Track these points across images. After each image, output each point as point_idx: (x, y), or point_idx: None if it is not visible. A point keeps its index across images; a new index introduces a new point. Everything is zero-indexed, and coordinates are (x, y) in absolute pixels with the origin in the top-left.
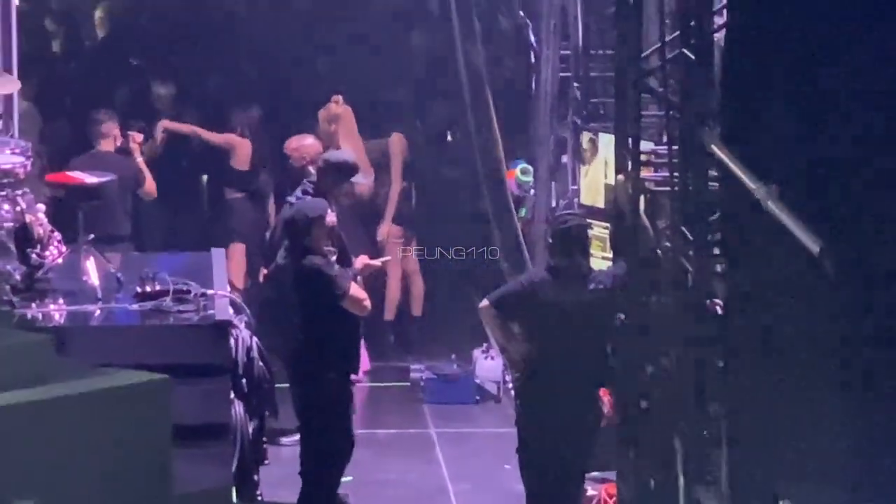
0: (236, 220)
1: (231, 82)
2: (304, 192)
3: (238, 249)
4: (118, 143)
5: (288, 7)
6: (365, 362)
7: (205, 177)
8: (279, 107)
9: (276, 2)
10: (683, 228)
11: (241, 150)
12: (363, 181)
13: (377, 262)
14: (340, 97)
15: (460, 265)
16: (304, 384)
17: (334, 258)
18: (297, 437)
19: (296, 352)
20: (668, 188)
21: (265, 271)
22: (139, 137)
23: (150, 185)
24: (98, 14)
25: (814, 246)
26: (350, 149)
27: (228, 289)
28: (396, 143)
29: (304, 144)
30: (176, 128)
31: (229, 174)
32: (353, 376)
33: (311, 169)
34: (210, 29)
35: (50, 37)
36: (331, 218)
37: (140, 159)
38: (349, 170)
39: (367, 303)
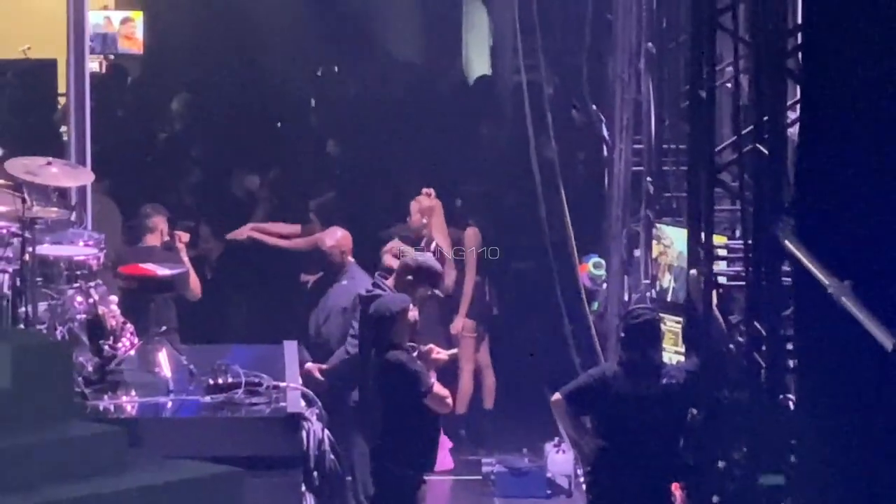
0: None
1: (311, 172)
2: (375, 286)
3: None
4: (164, 238)
5: (363, 99)
6: (447, 461)
7: None
8: (358, 196)
9: (349, 94)
10: (756, 323)
11: None
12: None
13: (444, 356)
14: (432, 190)
15: (532, 358)
16: (379, 479)
17: (415, 354)
18: None
19: (376, 446)
20: (740, 282)
21: (321, 366)
22: (185, 237)
23: (195, 285)
24: (174, 106)
25: (887, 341)
26: (441, 243)
27: (300, 381)
28: (471, 236)
29: (338, 239)
30: (260, 238)
31: (305, 262)
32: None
33: (350, 258)
34: (289, 119)
35: (125, 130)
36: (413, 314)
37: (186, 259)
38: (433, 278)
39: (450, 400)
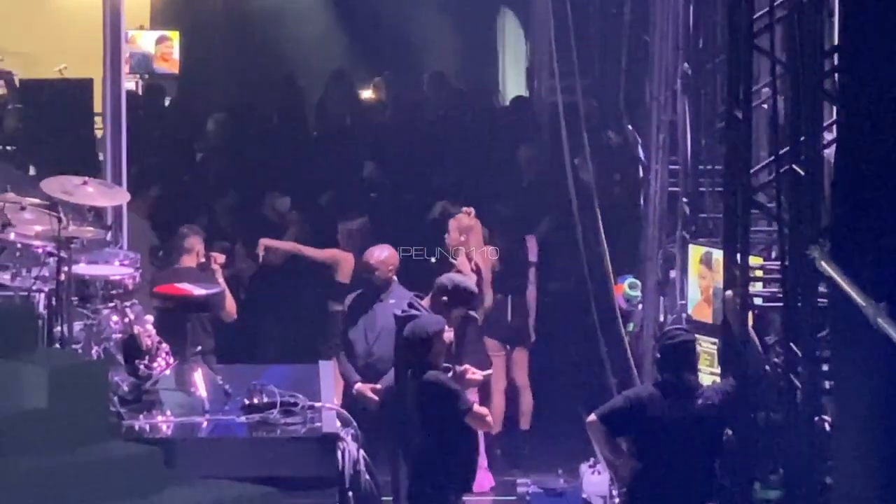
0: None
1: (343, 193)
2: (411, 306)
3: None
4: (200, 259)
5: (399, 120)
6: (484, 482)
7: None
8: (392, 217)
9: (385, 115)
10: (792, 344)
11: (345, 265)
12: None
13: (479, 376)
14: (472, 209)
15: (568, 379)
16: (417, 501)
17: (450, 374)
18: None
19: (414, 467)
20: (776, 304)
21: (374, 386)
22: (221, 258)
23: (230, 305)
24: (210, 126)
25: None
26: (479, 262)
27: (335, 401)
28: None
29: (387, 256)
30: (277, 245)
31: (333, 287)
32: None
33: (394, 277)
34: (325, 140)
35: (161, 150)
36: (448, 335)
37: (221, 279)
38: (468, 298)
39: (490, 418)
